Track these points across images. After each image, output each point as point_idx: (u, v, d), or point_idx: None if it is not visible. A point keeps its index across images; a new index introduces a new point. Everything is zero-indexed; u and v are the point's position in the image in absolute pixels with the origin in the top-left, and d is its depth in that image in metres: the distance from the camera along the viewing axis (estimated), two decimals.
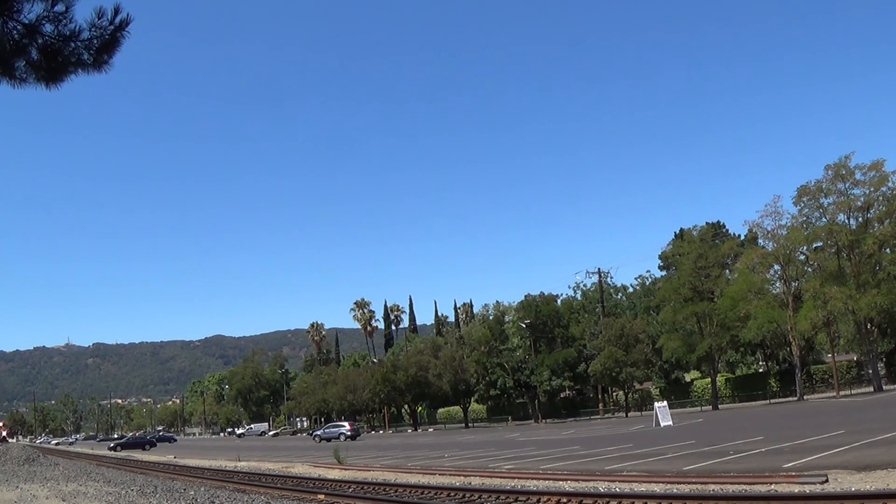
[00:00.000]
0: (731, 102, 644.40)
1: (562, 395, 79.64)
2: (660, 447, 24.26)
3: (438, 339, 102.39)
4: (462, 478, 18.85)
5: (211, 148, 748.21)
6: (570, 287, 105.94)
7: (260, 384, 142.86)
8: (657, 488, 13.23)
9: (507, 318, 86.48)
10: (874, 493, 10.20)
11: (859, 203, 53.49)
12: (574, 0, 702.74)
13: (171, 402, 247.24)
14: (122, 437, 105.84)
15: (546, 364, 73.69)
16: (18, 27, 8.28)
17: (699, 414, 53.87)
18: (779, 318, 55.10)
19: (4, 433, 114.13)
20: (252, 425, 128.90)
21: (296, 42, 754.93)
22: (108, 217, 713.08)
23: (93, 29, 8.50)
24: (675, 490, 12.63)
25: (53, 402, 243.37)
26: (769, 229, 57.92)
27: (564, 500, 12.83)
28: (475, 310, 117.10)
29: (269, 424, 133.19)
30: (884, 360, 60.87)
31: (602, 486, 14.21)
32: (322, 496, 16.04)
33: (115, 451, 67.66)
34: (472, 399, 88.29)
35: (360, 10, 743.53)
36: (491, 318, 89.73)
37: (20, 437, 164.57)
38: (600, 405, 74.39)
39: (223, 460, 37.14)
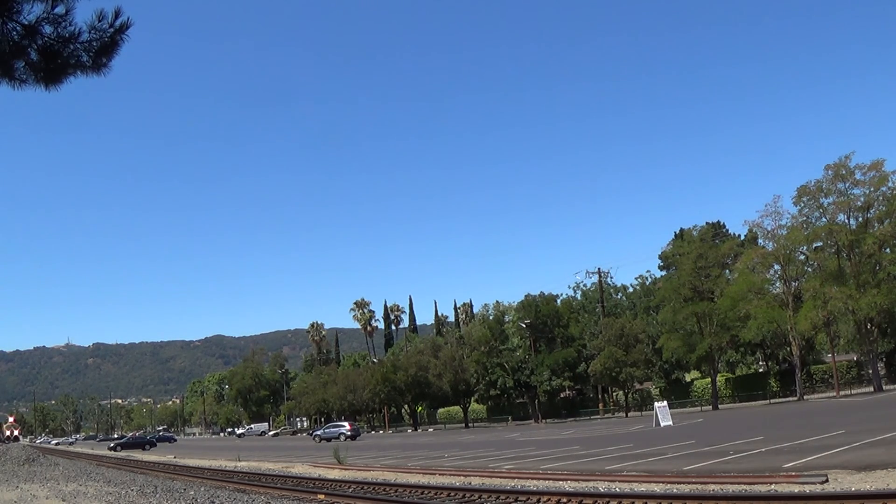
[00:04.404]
0: (731, 102, 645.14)
1: (562, 395, 79.69)
2: (660, 447, 24.26)
3: (438, 339, 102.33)
4: (462, 478, 18.84)
5: (211, 148, 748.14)
6: (570, 287, 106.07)
7: (260, 384, 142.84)
8: (657, 488, 13.23)
9: (507, 318, 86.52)
10: (874, 493, 10.20)
11: (859, 203, 53.50)
12: (574, 0, 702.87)
13: (171, 402, 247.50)
14: (122, 437, 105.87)
15: (546, 364, 73.69)
16: (18, 28, 8.28)
17: (699, 414, 53.88)
18: (779, 318, 55.11)
19: (17, 432, 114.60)
20: (252, 425, 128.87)
21: (295, 42, 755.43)
22: (109, 217, 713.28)
23: (92, 31, 8.50)
24: (675, 490, 12.63)
25: (53, 402, 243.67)
26: (769, 229, 58.07)
27: (564, 500, 12.84)
28: (475, 310, 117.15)
29: (269, 424, 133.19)
30: (884, 360, 60.88)
31: (602, 486, 14.22)
32: (322, 496, 16.05)
33: (115, 451, 67.68)
34: (472, 399, 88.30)
35: (360, 9, 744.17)
36: (491, 318, 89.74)
37: (20, 437, 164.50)
38: (600, 405, 74.39)
39: (223, 460, 37.15)
